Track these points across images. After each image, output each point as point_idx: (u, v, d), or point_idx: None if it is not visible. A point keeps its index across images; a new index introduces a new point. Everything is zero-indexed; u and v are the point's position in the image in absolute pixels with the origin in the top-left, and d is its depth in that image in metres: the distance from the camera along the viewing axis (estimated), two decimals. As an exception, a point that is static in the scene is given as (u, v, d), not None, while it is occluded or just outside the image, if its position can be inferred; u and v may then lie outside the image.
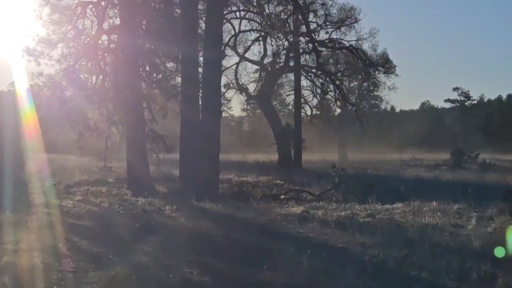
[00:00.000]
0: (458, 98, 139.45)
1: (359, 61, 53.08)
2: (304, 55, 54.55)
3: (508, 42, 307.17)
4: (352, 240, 13.83)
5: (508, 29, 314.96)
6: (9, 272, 9.65)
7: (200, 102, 27.91)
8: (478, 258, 10.92)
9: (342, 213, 18.47)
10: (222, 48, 38.15)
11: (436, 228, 15.10)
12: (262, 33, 52.28)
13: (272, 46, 54.45)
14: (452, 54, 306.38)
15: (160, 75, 39.46)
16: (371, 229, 15.27)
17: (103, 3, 32.48)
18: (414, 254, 11.76)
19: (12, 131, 29.03)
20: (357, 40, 55.47)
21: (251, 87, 58.74)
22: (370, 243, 13.26)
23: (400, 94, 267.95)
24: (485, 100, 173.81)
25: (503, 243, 12.93)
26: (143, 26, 32.91)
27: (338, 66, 60.95)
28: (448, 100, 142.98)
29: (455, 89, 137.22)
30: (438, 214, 17.66)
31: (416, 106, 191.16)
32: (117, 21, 32.53)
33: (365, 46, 57.53)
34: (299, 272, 10.09)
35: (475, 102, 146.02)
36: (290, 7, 44.71)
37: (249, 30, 53.69)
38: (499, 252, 11.59)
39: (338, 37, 54.87)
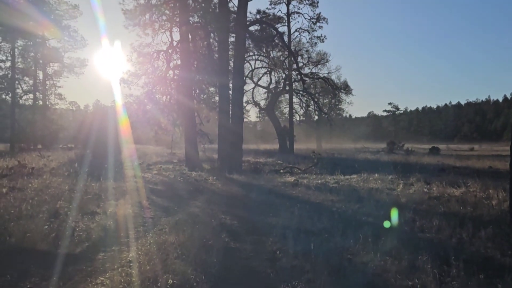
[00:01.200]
0: (391, 109, 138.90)
1: (329, 86, 52.86)
2: (295, 82, 54.34)
3: (422, 72, 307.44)
4: (325, 198, 13.77)
5: (421, 64, 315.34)
6: (112, 218, 9.69)
7: (230, 113, 27.88)
8: (404, 208, 10.88)
9: (319, 181, 18.39)
10: (244, 78, 37.98)
11: (378, 190, 15.00)
12: (269, 69, 52.18)
13: (275, 77, 54.56)
14: (388, 80, 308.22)
15: (205, 95, 39.50)
16: (337, 191, 15.20)
17: (169, 51, 32.44)
18: (364, 206, 11.76)
19: (114, 130, 29.17)
20: (328, 73, 55.65)
21: (262, 103, 58.80)
22: (336, 200, 13.22)
23: (355, 106, 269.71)
24: (408, 110, 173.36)
25: (420, 201, 12.91)
26: (195, 65, 32.87)
27: (316, 89, 61.06)
28: (385, 110, 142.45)
29: (389, 103, 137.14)
30: (379, 181, 17.56)
31: (364, 114, 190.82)
32: (179, 62, 32.48)
33: (333, 76, 57.50)
34: (293, 217, 10.12)
35: (401, 111, 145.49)
36: (286, 52, 44.49)
37: (261, 67, 53.59)
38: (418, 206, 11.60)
39: (316, 71, 54.90)
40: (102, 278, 5.95)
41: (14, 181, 15.31)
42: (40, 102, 58.46)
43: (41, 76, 58.24)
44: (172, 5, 31.17)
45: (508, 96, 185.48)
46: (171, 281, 5.63)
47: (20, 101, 56.92)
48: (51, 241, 7.75)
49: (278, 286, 5.75)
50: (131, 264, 6.50)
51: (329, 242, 7.83)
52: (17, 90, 56.15)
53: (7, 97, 55.07)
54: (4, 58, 55.20)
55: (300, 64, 51.71)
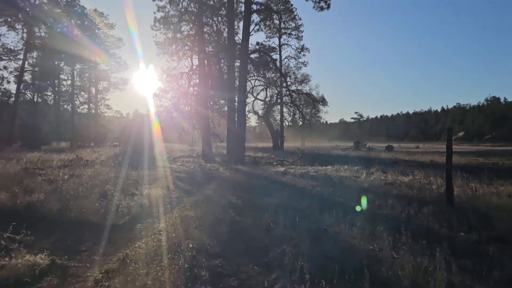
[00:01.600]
0: (357, 116, 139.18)
1: (311, 99, 52.96)
2: (284, 97, 54.28)
3: (380, 87, 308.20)
4: (307, 183, 13.73)
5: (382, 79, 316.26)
6: (147, 198, 9.66)
7: (236, 119, 27.82)
8: (367, 191, 10.86)
9: (302, 171, 18.30)
10: (246, 94, 37.91)
11: (347, 178, 14.91)
12: (265, 86, 52.05)
13: (270, 92, 54.51)
14: (355, 94, 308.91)
15: (217, 106, 39.66)
16: (316, 178, 15.16)
17: (190, 72, 32.42)
18: (336, 190, 11.70)
19: (148, 132, 29.21)
20: (309, 90, 55.27)
21: (260, 112, 58.27)
22: (315, 185, 13.17)
23: (330, 114, 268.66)
24: (369, 118, 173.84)
25: (379, 186, 12.91)
26: (209, 84, 32.80)
27: (301, 102, 60.68)
28: (352, 118, 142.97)
29: (356, 112, 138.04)
30: (348, 171, 17.43)
31: (337, 120, 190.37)
32: (197, 81, 32.38)
33: (313, 92, 56.75)
34: (282, 198, 10.07)
35: (365, 118, 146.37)
36: (278, 74, 44.45)
37: (259, 85, 53.12)
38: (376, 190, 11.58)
39: (300, 88, 54.65)
40: (139, 243, 5.96)
41: (73, 170, 15.28)
42: (93, 111, 59.42)
43: (93, 91, 59.44)
44: (192, 38, 31.29)
45: (445, 108, 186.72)
46: (191, 245, 5.64)
47: (78, 110, 58.01)
48: (101, 215, 7.78)
49: (271, 249, 5.75)
50: (161, 232, 6.50)
51: (310, 217, 7.84)
52: (76, 102, 57.65)
53: (68, 107, 56.59)
54: (66, 77, 56.75)
55: (289, 83, 51.77)
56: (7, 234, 5.88)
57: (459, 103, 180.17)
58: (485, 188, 10.80)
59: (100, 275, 4.72)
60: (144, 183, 12.67)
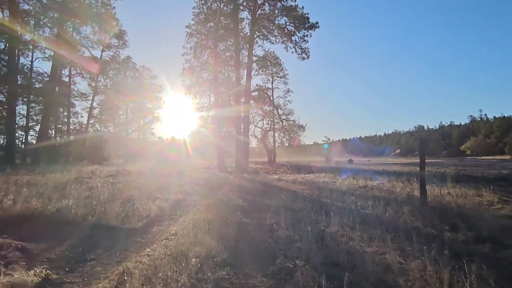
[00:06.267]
0: (326, 139, 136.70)
1: (295, 126, 51.66)
2: (276, 124, 52.79)
3: (344, 118, 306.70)
4: (298, 187, 12.04)
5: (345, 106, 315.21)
6: (167, 201, 7.87)
7: (241, 141, 26.28)
8: (346, 194, 9.18)
9: (292, 177, 16.59)
10: (248, 123, 36.49)
11: (327, 183, 13.22)
12: (263, 117, 51.11)
13: (266, 121, 52.90)
14: (324, 122, 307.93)
15: (227, 135, 38.09)
16: (304, 183, 13.50)
17: (208, 107, 31.15)
18: (322, 193, 10.00)
19: (180, 151, 27.88)
20: (293, 120, 52.66)
21: (258, 136, 55.88)
22: (305, 189, 11.49)
23: (307, 138, 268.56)
24: (335, 140, 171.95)
25: (354, 189, 11.24)
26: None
27: (288, 128, 58.92)
28: (322, 140, 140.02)
29: (325, 136, 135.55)
30: (326, 177, 15.66)
31: (312, 142, 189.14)
32: (213, 113, 31.14)
33: (297, 121, 54.95)
34: (280, 199, 8.35)
35: (331, 141, 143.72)
36: (272, 107, 43.46)
37: (257, 115, 51.95)
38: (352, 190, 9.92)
39: (287, 118, 52.74)
40: (148, 250, 4.20)
41: (115, 179, 13.44)
42: (142, 137, 58.55)
43: (141, 123, 58.36)
44: (210, 82, 30.20)
45: (386, 133, 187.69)
46: (199, 252, 3.92)
47: (131, 136, 57.21)
48: (120, 219, 5.88)
49: (278, 254, 4.04)
50: (172, 237, 4.74)
51: (306, 217, 6.11)
52: (129, 130, 56.97)
53: (124, 134, 55.47)
54: (122, 113, 56.11)
55: (280, 113, 50.60)
56: (16, 243, 4.05)
57: (396, 130, 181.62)
58: (440, 191, 9.06)
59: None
60: (169, 188, 10.92)
